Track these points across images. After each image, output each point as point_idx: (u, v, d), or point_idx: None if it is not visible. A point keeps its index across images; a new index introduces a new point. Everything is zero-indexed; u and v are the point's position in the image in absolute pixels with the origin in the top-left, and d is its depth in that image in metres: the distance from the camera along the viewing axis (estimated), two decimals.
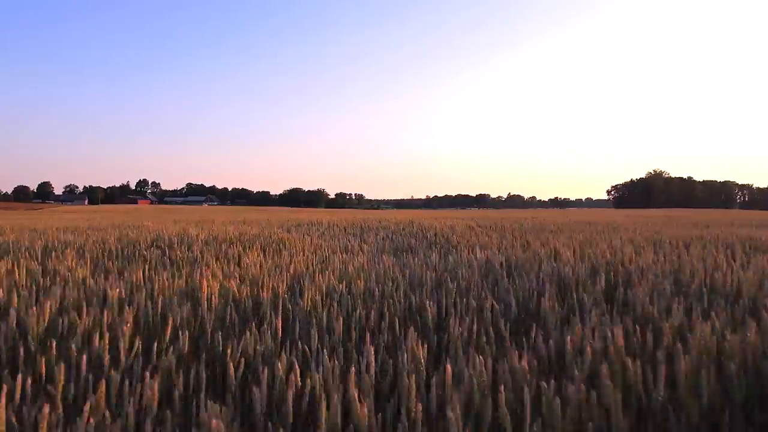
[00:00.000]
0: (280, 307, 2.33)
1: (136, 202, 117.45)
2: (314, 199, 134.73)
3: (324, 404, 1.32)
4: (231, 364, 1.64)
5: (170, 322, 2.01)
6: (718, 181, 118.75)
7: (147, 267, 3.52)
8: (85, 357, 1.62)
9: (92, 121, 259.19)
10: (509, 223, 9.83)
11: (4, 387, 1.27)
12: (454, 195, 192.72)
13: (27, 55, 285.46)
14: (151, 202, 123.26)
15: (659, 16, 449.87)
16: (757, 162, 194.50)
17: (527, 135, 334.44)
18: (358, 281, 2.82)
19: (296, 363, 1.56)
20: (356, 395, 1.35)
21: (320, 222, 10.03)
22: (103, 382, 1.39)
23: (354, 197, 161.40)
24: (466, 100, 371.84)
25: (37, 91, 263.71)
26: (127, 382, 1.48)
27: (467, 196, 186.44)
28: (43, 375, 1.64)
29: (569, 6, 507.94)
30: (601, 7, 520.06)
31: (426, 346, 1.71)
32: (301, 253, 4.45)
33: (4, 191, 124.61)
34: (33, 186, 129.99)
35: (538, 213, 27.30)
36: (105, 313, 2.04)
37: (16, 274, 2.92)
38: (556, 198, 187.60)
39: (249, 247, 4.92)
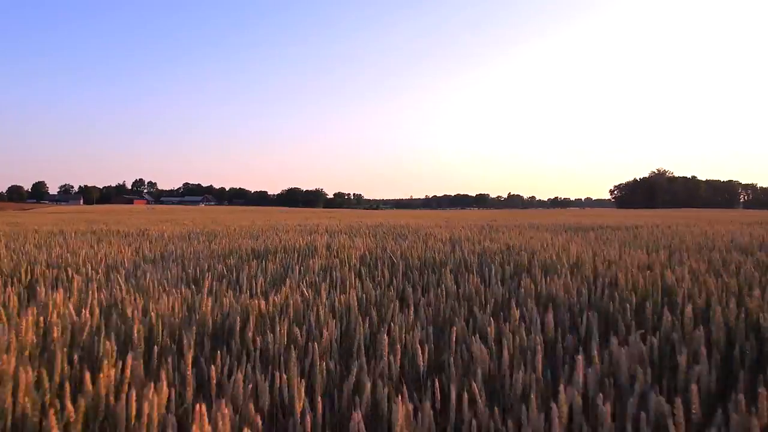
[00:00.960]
0: None
1: (132, 202, 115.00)
2: (312, 198, 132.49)
3: None
4: None
5: None
6: (722, 180, 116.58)
7: None
8: None
9: (88, 120, 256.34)
10: (610, 234, 6.36)
11: None
12: (453, 195, 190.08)
13: (25, 55, 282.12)
14: (148, 202, 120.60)
15: (662, 14, 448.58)
16: (761, 161, 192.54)
17: (527, 135, 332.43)
18: None
19: None
20: None
21: (316, 235, 6.78)
22: None
23: (353, 197, 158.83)
24: (465, 99, 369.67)
25: (33, 91, 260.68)
26: None
27: (467, 195, 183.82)
28: None
29: (569, 6, 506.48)
30: (602, 7, 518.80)
31: None
32: None
33: None
34: (28, 186, 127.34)
35: (563, 214, 24.39)
36: None
37: None
38: (556, 198, 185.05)
39: None
